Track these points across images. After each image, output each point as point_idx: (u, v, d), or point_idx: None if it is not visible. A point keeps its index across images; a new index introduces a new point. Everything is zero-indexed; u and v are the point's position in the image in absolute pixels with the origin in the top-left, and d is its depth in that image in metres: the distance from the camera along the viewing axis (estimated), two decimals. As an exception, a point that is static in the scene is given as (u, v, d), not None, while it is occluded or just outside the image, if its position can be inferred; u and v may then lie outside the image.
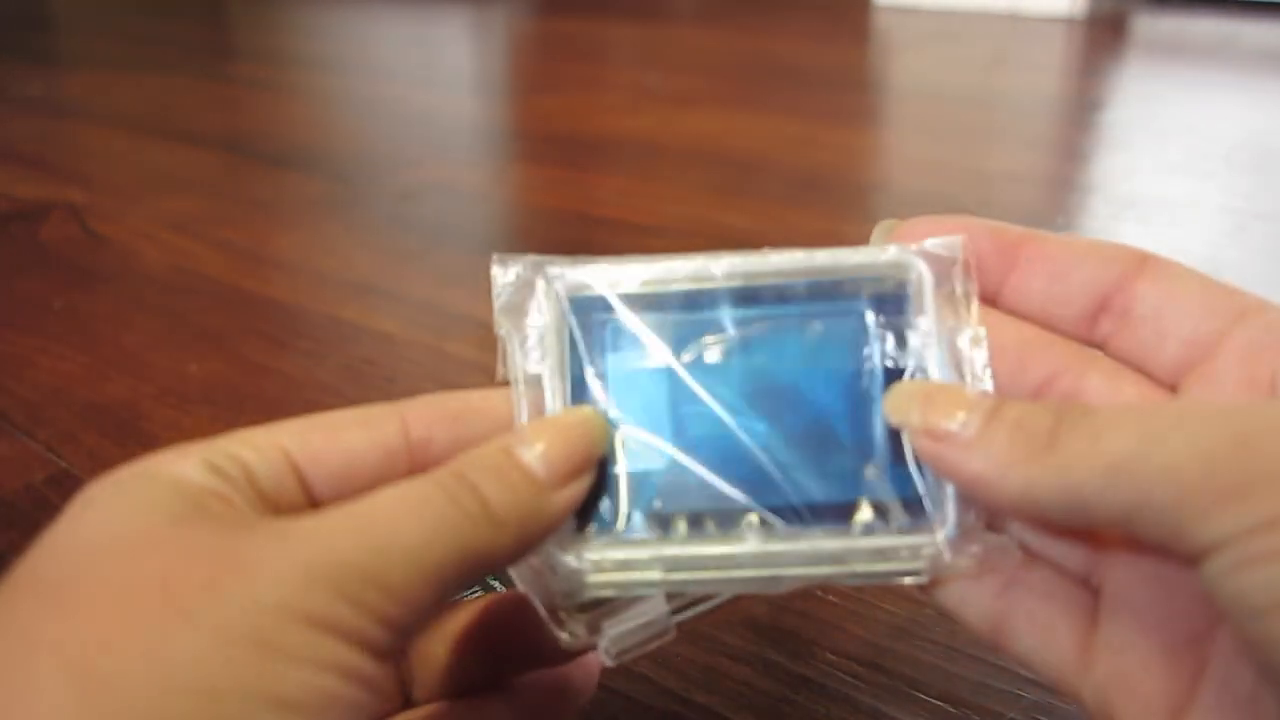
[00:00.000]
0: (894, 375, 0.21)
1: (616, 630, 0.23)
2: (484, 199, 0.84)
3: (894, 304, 0.21)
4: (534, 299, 0.22)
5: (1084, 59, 1.46)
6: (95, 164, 0.95)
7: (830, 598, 0.35)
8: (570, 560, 0.21)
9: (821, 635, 0.33)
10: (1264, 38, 1.54)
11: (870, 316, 0.21)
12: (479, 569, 0.19)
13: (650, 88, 1.25)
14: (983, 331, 0.21)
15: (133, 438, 0.46)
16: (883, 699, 0.30)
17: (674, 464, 0.21)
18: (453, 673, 0.25)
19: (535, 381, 0.22)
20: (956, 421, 0.19)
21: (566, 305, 0.22)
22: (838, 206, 0.78)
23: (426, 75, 1.37)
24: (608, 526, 0.21)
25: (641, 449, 0.21)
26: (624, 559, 0.21)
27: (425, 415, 0.22)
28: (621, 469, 0.21)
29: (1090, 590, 0.21)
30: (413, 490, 0.19)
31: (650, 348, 0.22)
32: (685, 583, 0.21)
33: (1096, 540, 0.21)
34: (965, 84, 1.28)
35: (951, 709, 0.30)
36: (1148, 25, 1.66)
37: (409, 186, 0.85)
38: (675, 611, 0.24)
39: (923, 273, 0.21)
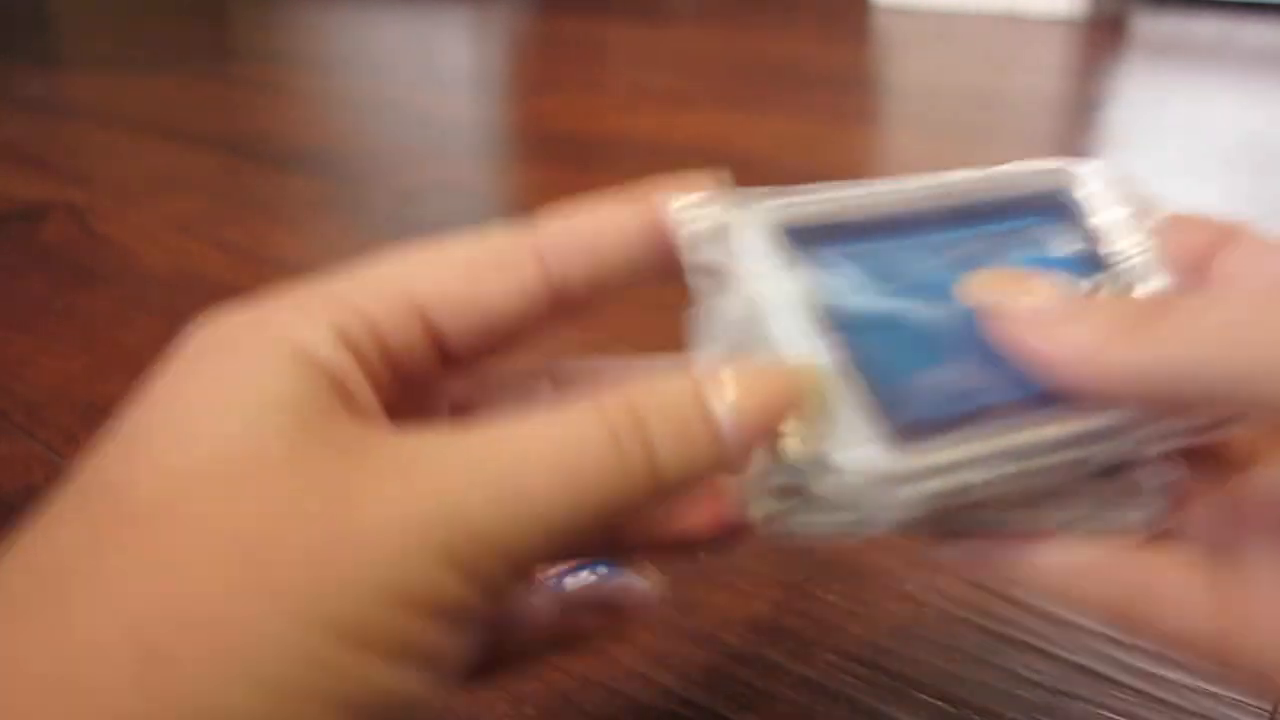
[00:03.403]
0: (1097, 260, 0.22)
1: (809, 516, 0.19)
2: (484, 199, 0.84)
3: (1077, 208, 0.22)
4: (730, 235, 0.20)
5: (1084, 59, 1.46)
6: (95, 164, 0.95)
7: (830, 597, 0.35)
8: (880, 463, 0.18)
9: (821, 635, 0.33)
10: (1264, 38, 1.54)
11: (1065, 217, 0.22)
12: (617, 520, 0.17)
13: (650, 88, 1.25)
14: (1163, 215, 0.22)
15: (133, 438, 0.46)
16: (883, 699, 0.30)
17: (929, 371, 0.19)
18: None
19: (741, 324, 0.19)
20: (1047, 299, 0.19)
21: (768, 236, 0.20)
22: (838, 206, 0.78)
23: (426, 75, 1.37)
24: (894, 434, 0.18)
25: (885, 363, 0.19)
26: (932, 463, 0.18)
27: (561, 250, 0.20)
28: (870, 384, 0.19)
29: None
30: (573, 428, 0.16)
31: (859, 271, 0.20)
32: (1004, 476, 0.19)
33: None
34: (965, 84, 1.28)
35: (951, 709, 0.30)
36: (1148, 25, 1.66)
37: (409, 186, 0.85)
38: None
39: (1096, 172, 0.23)
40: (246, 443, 0.16)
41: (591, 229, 0.20)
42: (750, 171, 0.87)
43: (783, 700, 0.30)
